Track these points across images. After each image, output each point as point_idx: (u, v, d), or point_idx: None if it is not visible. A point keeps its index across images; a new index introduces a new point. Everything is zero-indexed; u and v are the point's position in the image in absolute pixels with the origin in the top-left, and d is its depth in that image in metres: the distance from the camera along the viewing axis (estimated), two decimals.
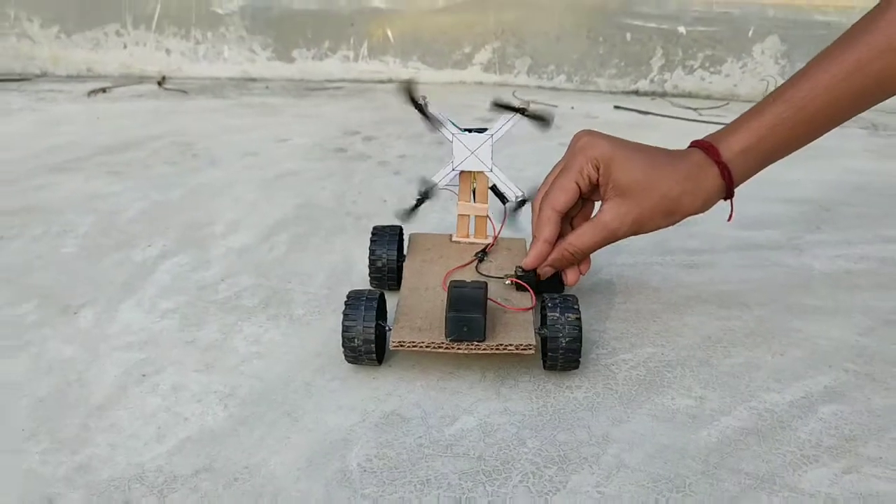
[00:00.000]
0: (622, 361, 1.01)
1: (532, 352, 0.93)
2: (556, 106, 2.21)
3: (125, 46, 2.40)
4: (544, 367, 0.97)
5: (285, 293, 1.16)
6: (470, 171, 1.12)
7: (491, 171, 1.12)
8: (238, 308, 1.12)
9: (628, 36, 2.31)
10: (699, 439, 0.88)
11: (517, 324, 0.97)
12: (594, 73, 2.35)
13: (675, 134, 2.04)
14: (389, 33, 2.38)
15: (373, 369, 0.99)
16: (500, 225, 1.16)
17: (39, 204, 1.47)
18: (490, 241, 1.16)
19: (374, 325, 0.96)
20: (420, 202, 1.12)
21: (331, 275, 1.22)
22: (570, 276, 1.08)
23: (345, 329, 0.96)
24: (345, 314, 0.97)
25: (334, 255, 1.28)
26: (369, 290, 0.99)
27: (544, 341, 0.96)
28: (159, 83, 2.33)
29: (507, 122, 1.09)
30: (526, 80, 2.37)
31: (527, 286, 1.03)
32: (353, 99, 2.26)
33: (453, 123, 1.10)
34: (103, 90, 2.26)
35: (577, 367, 0.97)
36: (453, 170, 1.12)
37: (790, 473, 0.84)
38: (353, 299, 0.98)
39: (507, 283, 1.05)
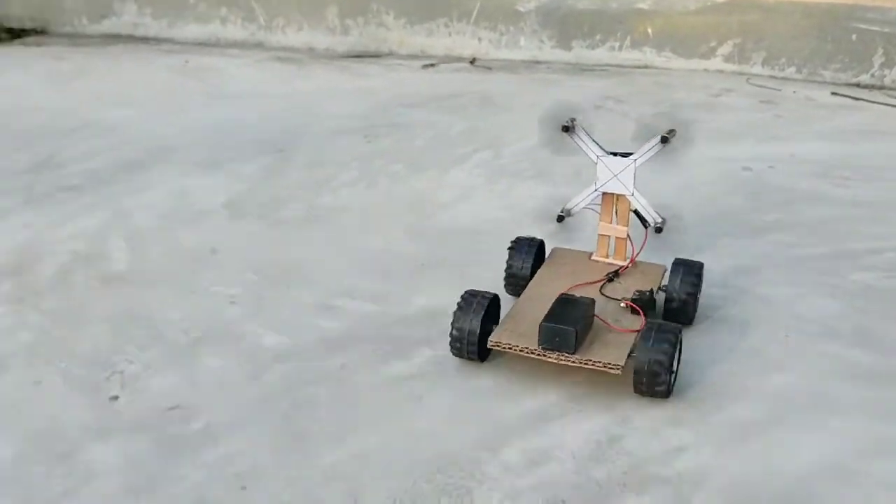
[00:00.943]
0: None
1: (618, 371, 0.94)
2: (779, 90, 2.71)
3: (450, 35, 3.26)
4: (634, 389, 0.96)
5: (550, 169, 1.89)
6: (612, 194, 1.13)
7: (632, 195, 1.11)
8: (519, 175, 1.87)
9: (854, 37, 2.74)
10: None
11: (615, 343, 0.98)
12: (820, 67, 2.80)
13: (879, 117, 2.47)
14: (649, 30, 3.01)
15: None
16: (639, 248, 1.14)
17: (399, 122, 2.32)
18: (626, 262, 1.15)
19: (479, 325, 0.98)
20: (561, 219, 1.16)
21: (572, 165, 1.90)
22: None
23: (454, 325, 1.00)
24: (455, 312, 1.00)
25: (575, 155, 1.97)
26: (483, 293, 1.03)
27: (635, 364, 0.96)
28: (471, 62, 3.15)
29: (650, 149, 1.10)
30: (760, 70, 2.88)
31: (640, 310, 1.04)
32: (614, 78, 2.92)
33: (598, 145, 1.13)
34: (432, 65, 3.13)
35: (665, 397, 0.96)
36: (595, 190, 1.12)
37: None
38: (467, 299, 1.01)
39: (622, 305, 1.06)
